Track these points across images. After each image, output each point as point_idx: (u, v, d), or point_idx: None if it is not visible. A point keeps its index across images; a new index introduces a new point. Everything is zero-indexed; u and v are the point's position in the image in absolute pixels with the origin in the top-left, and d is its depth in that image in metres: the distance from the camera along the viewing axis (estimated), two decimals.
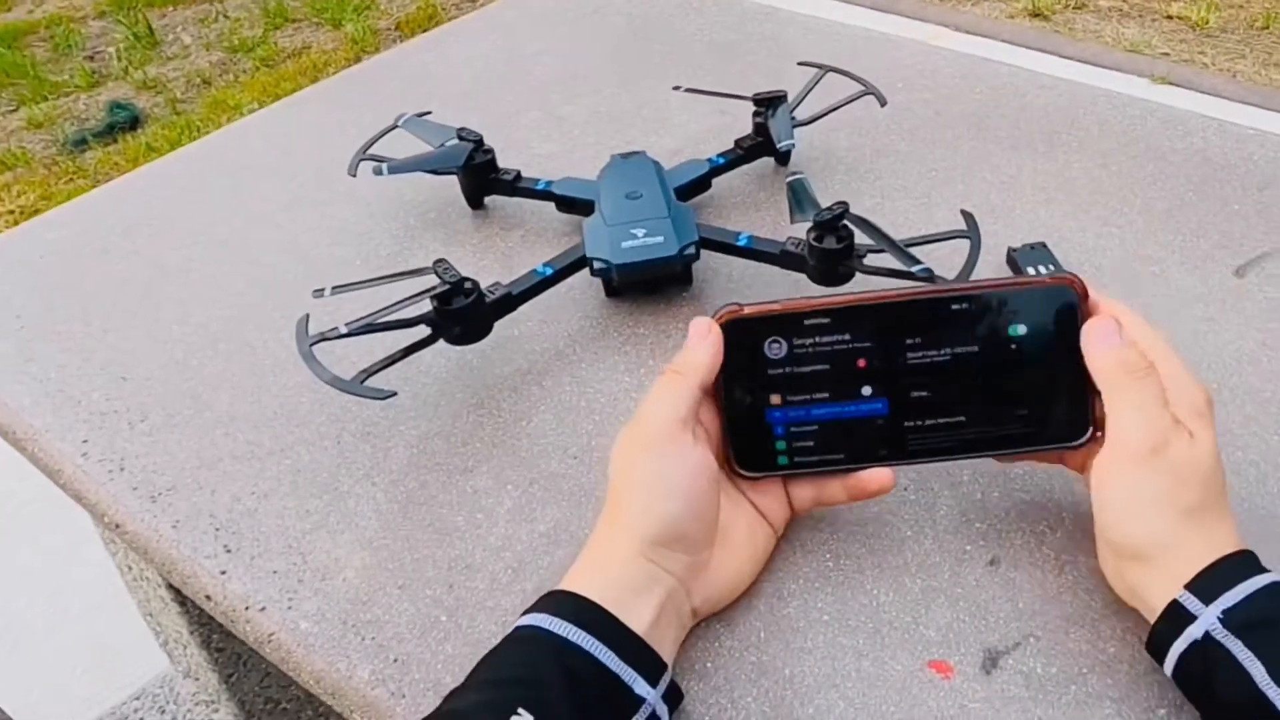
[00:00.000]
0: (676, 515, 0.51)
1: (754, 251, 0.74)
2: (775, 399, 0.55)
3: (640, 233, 0.73)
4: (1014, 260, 0.74)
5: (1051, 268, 0.73)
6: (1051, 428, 0.54)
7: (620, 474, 0.53)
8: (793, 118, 0.84)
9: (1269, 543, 0.56)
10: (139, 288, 0.82)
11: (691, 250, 0.73)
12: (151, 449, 0.68)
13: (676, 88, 0.96)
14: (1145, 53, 2.95)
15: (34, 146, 3.00)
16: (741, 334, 0.54)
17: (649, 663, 0.48)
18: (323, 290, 0.70)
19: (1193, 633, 0.46)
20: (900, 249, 0.67)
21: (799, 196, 0.72)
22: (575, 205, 0.82)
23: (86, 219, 0.91)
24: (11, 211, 2.65)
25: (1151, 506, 0.48)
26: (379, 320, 0.66)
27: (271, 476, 0.66)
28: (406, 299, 0.68)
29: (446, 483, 0.64)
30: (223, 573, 0.60)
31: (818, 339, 0.54)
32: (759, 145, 0.85)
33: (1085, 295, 0.53)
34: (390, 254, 0.82)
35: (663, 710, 0.48)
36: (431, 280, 0.67)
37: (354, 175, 0.85)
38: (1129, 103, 0.95)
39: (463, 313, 0.67)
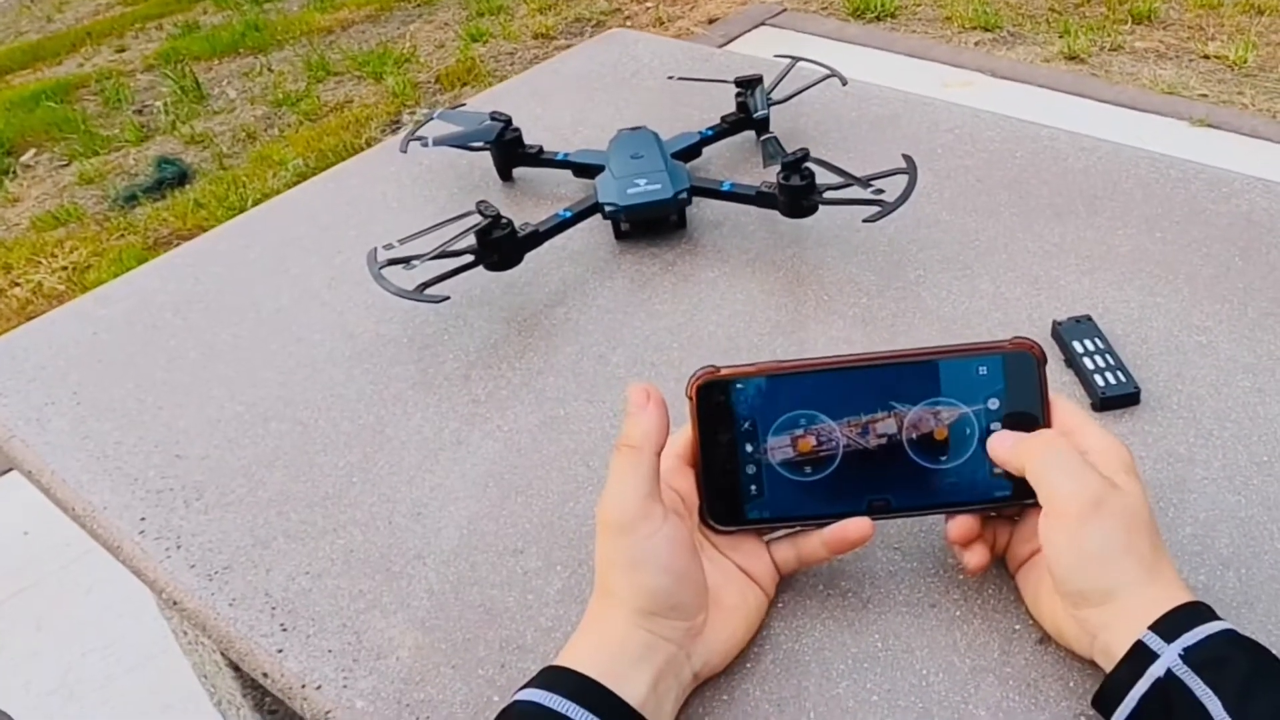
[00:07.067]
0: (666, 588, 0.53)
1: (735, 194, 0.89)
2: (747, 455, 0.57)
3: (643, 182, 0.89)
4: (1059, 333, 0.74)
5: (1098, 341, 0.72)
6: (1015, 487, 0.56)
7: (603, 555, 0.55)
8: (769, 98, 1.00)
9: None
10: (190, 365, 0.84)
11: (685, 194, 0.88)
12: (207, 527, 0.70)
13: (670, 77, 1.13)
14: (1183, 94, 2.92)
15: (86, 202, 3.07)
16: (717, 393, 0.56)
17: None
18: (391, 244, 0.82)
19: (1154, 671, 0.47)
20: (854, 177, 0.81)
21: (769, 149, 0.88)
22: (590, 171, 0.97)
23: (136, 295, 0.93)
24: (65, 267, 2.71)
25: (1110, 552, 0.50)
26: (431, 252, 0.80)
27: (325, 556, 0.67)
28: (454, 237, 0.81)
29: (497, 564, 0.65)
30: (279, 651, 0.61)
31: (789, 399, 0.56)
32: (741, 120, 1.00)
33: (1044, 359, 0.55)
34: (435, 331, 0.83)
35: None
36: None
37: (404, 152, 1.01)
38: (1171, 164, 0.94)
39: (499, 242, 0.82)
